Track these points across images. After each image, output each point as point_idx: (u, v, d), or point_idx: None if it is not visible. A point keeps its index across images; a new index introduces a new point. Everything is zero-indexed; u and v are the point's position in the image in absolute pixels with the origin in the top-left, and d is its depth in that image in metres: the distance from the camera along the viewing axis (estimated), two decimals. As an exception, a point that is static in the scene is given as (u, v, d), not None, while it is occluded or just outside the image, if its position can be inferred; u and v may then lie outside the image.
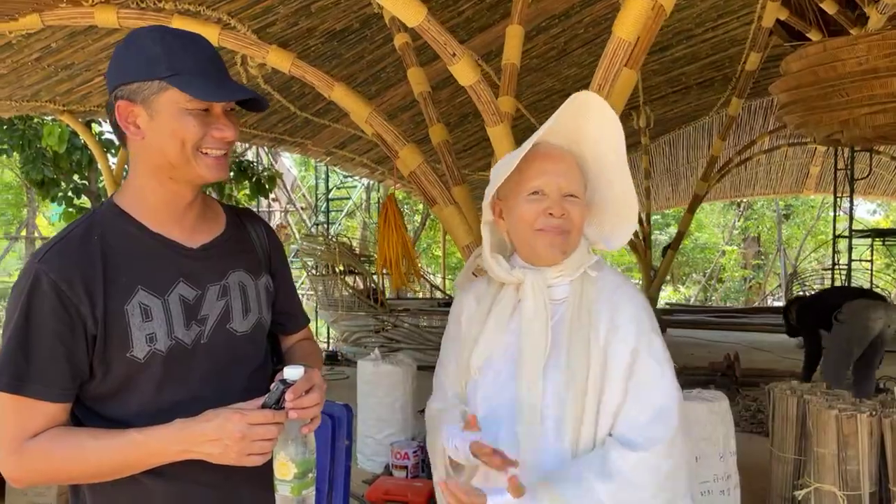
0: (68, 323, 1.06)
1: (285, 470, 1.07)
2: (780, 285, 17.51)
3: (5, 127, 6.93)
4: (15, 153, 7.26)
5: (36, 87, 4.36)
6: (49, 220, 19.17)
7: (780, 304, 14.83)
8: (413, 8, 2.59)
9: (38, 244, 18.39)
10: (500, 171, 1.32)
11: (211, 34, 3.31)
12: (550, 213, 1.28)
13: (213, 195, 10.13)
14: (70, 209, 7.70)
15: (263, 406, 1.07)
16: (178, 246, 1.17)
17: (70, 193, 7.65)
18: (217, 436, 1.04)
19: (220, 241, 1.24)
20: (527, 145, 1.28)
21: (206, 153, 1.12)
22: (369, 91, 6.16)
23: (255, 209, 14.42)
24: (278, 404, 1.06)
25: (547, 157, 1.31)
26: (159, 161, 1.12)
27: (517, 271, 1.35)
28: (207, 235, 1.22)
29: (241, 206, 1.29)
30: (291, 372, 1.08)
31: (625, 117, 9.51)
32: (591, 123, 1.30)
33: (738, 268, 20.60)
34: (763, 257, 20.65)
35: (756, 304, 17.10)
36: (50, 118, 6.12)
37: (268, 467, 1.26)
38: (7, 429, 1.06)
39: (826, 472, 3.00)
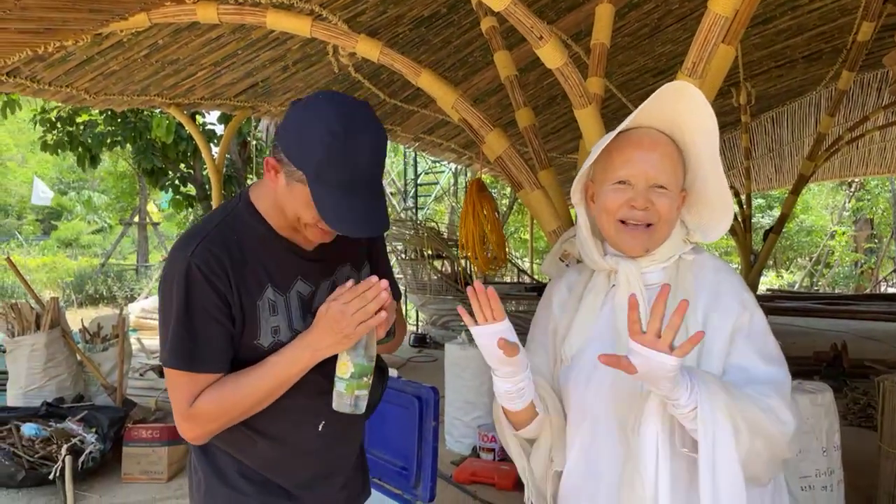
0: (222, 309, 1.22)
1: (344, 369, 1.23)
2: (894, 270, 16.32)
3: (119, 120, 7.41)
4: (128, 144, 7.75)
5: (145, 82, 4.63)
6: (159, 207, 20.42)
7: (895, 290, 13.85)
8: (499, -9, 2.57)
9: (150, 230, 19.63)
10: (591, 154, 1.30)
11: (303, 26, 3.41)
12: (633, 206, 1.26)
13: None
14: (177, 196, 8.16)
15: None
16: (298, 249, 1.33)
17: (177, 182, 8.11)
18: (325, 327, 1.21)
19: (331, 242, 1.36)
20: (619, 128, 1.26)
21: (315, 226, 1.25)
22: (457, 76, 6.16)
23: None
24: None
25: (638, 145, 1.27)
26: (282, 212, 1.27)
27: (609, 259, 1.33)
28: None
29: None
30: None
31: (724, 94, 9.10)
32: (689, 112, 1.24)
33: (849, 252, 19.33)
34: (877, 241, 19.29)
35: (868, 291, 16.03)
36: (158, 111, 6.50)
37: (356, 448, 1.43)
38: (180, 400, 1.23)
39: (941, 471, 2.81)
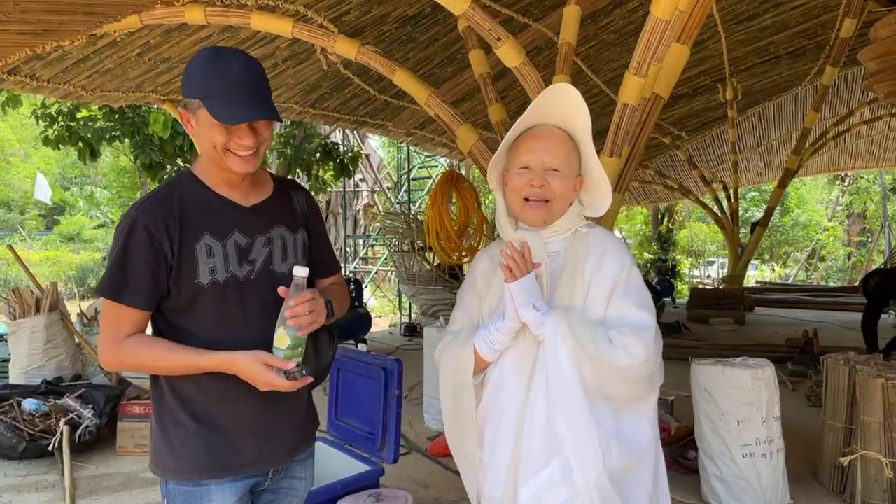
0: (154, 254, 1.44)
1: (282, 341, 1.43)
2: (882, 263, 16.49)
3: (118, 116, 7.60)
4: (126, 139, 7.95)
5: (139, 79, 4.83)
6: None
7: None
8: (458, -2, 2.79)
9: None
10: (501, 147, 1.62)
11: (285, 27, 3.62)
12: (532, 185, 1.56)
13: (301, 175, 10.38)
14: (175, 190, 8.35)
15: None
16: (235, 204, 1.54)
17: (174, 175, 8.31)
18: (244, 372, 1.44)
19: (268, 202, 1.60)
20: (517, 127, 1.57)
21: (235, 153, 1.46)
22: (445, 72, 6.33)
23: (341, 189, 14.97)
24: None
25: (537, 137, 1.57)
26: (205, 151, 1.50)
27: (519, 232, 1.63)
28: (257, 198, 1.58)
29: (290, 178, 1.70)
30: (298, 270, 1.46)
31: (710, 90, 9.26)
32: (574, 109, 1.55)
33: (839, 245, 19.51)
34: (868, 234, 19.46)
35: (857, 283, 16.21)
36: (154, 106, 6.70)
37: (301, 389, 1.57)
38: (108, 326, 1.47)
39: (871, 440, 3.02)
